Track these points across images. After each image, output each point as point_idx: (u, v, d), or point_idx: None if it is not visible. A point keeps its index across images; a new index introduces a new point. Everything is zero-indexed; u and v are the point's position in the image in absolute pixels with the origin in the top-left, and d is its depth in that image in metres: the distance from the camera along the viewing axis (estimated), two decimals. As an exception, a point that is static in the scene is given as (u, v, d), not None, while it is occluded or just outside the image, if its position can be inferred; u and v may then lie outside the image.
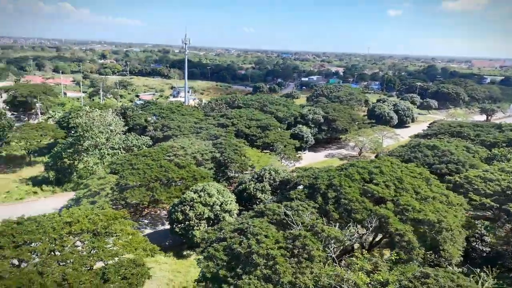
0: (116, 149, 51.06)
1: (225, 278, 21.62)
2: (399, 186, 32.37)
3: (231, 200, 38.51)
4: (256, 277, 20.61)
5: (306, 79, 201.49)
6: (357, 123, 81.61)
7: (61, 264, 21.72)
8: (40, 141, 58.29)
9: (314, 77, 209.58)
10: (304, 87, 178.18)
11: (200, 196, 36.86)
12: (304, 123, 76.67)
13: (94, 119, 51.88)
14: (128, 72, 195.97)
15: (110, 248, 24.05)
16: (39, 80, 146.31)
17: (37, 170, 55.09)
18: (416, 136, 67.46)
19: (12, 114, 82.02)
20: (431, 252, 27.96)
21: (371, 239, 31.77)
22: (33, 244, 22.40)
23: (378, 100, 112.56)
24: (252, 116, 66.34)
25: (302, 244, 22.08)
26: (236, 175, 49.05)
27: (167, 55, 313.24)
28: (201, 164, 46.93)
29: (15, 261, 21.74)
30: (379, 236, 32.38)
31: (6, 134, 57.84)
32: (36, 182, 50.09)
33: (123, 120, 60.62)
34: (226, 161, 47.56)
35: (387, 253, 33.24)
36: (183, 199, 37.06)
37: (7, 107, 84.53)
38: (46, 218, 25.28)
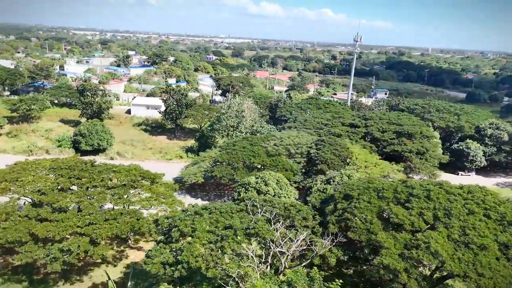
0: (241, 132, 58.30)
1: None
2: (442, 220, 24.80)
3: (290, 194, 38.79)
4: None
5: None
6: None
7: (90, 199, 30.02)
8: (208, 120, 72.52)
9: None
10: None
11: (257, 183, 39.08)
12: (478, 138, 62.07)
13: (234, 106, 60.82)
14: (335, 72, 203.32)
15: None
16: (265, 74, 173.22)
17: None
18: None
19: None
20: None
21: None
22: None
23: None
24: (395, 120, 59.69)
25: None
26: (330, 173, 47.10)
27: (398, 57, 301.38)
28: (293, 156, 47.89)
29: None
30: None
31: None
32: (187, 150, 63.60)
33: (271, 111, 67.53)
34: (316, 158, 46.53)
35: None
36: (245, 182, 40.24)
37: (218, 92, 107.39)
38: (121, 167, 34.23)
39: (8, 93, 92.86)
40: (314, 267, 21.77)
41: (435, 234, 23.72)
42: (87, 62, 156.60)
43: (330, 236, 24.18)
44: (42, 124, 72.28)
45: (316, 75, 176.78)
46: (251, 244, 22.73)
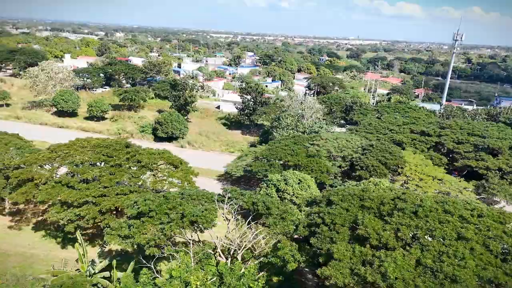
0: (298, 131, 57.69)
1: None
2: (422, 241, 21.44)
3: (312, 196, 37.66)
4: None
5: None
6: None
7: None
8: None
9: None
10: None
11: (278, 181, 38.96)
12: None
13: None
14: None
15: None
16: (376, 76, 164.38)
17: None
18: None
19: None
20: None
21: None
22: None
23: None
24: (479, 131, 51.00)
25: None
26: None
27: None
28: (334, 159, 45.56)
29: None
30: None
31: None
32: (251, 145, 65.84)
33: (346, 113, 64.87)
34: (357, 163, 43.30)
35: None
36: (269, 179, 40.41)
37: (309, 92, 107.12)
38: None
39: (129, 85, 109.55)
40: (237, 260, 21.41)
41: (397, 254, 20.72)
42: (206, 62, 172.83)
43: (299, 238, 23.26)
44: (142, 113, 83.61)
45: (437, 80, 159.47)
46: (196, 231, 23.47)
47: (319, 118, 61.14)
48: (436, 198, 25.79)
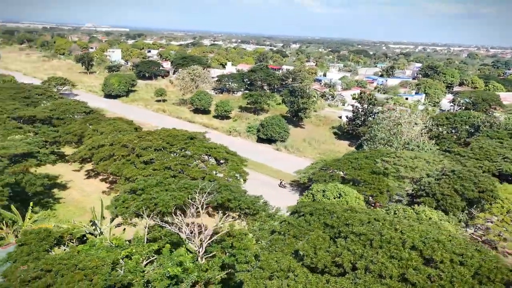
0: (392, 147, 51.99)
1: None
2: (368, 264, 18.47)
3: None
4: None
5: None
6: None
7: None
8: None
9: None
10: None
11: (317, 191, 37.42)
12: None
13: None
14: None
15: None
16: None
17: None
18: None
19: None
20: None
21: None
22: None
23: None
24: None
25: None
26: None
27: None
28: (402, 179, 39.62)
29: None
30: None
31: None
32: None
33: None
34: (424, 187, 36.55)
35: None
36: (311, 187, 39.02)
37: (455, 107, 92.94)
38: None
39: (268, 90, 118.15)
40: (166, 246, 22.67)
41: (313, 277, 18.29)
42: (356, 71, 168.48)
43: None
44: (262, 116, 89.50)
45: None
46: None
47: (421, 134, 53.37)
48: (429, 232, 20.78)
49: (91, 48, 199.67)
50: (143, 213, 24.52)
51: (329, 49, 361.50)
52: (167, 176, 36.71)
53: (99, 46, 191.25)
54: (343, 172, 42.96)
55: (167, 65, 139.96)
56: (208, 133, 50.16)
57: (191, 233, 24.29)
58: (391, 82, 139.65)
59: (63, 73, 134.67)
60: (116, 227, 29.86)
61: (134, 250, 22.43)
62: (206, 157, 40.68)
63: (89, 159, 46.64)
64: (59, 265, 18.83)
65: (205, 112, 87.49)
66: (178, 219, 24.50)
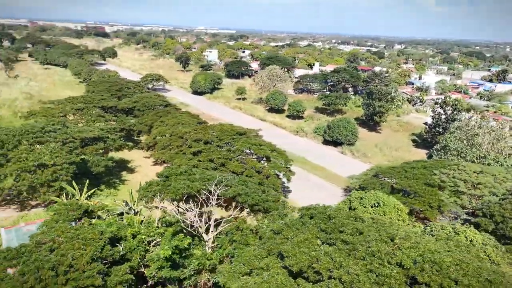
0: (466, 159, 46.09)
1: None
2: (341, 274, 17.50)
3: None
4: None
5: None
6: None
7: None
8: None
9: None
10: None
11: (355, 197, 35.43)
12: None
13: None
14: None
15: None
16: None
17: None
18: None
19: None
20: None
21: None
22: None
23: None
24: None
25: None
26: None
27: None
28: (458, 195, 34.87)
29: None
30: None
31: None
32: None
33: None
34: (481, 207, 31.60)
35: None
36: (350, 194, 36.91)
37: None
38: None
39: (352, 93, 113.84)
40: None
41: (284, 279, 17.75)
42: (458, 75, 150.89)
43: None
44: (338, 117, 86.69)
45: None
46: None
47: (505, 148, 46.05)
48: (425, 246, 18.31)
49: (194, 48, 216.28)
50: (158, 198, 26.38)
51: (438, 51, 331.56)
52: (208, 168, 38.62)
53: (200, 47, 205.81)
54: (394, 181, 39.65)
55: (255, 65, 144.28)
56: (272, 131, 50.93)
57: (196, 221, 25.26)
58: (501, 88, 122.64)
59: (164, 71, 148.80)
60: (151, 210, 32.53)
61: (142, 231, 24.29)
62: (250, 153, 41.43)
63: (153, 147, 51.17)
64: (68, 233, 21.52)
65: (279, 111, 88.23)
66: (184, 207, 25.72)
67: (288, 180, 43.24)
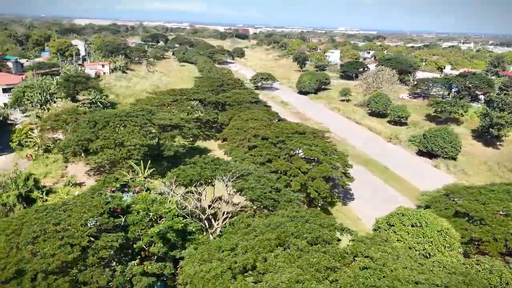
0: None
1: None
2: None
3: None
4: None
5: None
6: None
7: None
8: None
9: None
10: None
11: (397, 214, 31.54)
12: None
13: None
14: None
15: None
16: None
17: None
18: None
19: None
20: None
21: None
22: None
23: None
24: None
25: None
26: None
27: None
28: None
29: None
30: None
31: None
32: None
33: None
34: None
35: None
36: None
37: None
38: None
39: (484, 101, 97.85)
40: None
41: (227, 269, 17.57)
42: None
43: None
44: (453, 127, 75.91)
45: None
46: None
47: None
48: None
49: (320, 49, 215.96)
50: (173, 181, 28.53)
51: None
52: (255, 162, 39.25)
53: (324, 47, 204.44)
54: (460, 202, 33.42)
55: (373, 66, 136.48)
56: (361, 135, 48.08)
57: (197, 208, 26.40)
58: None
59: (284, 70, 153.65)
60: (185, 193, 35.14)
61: (152, 209, 26.66)
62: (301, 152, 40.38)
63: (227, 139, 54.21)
64: (83, 199, 25.30)
65: (381, 115, 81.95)
66: (196, 192, 27.12)
67: (342, 186, 40.68)
